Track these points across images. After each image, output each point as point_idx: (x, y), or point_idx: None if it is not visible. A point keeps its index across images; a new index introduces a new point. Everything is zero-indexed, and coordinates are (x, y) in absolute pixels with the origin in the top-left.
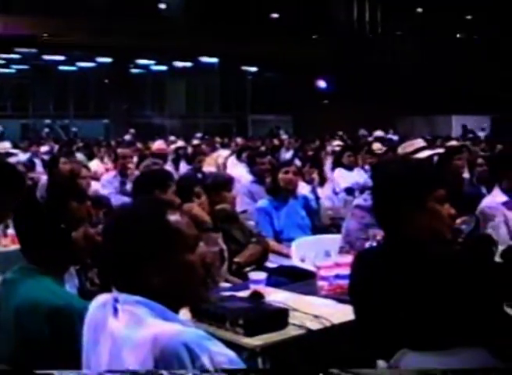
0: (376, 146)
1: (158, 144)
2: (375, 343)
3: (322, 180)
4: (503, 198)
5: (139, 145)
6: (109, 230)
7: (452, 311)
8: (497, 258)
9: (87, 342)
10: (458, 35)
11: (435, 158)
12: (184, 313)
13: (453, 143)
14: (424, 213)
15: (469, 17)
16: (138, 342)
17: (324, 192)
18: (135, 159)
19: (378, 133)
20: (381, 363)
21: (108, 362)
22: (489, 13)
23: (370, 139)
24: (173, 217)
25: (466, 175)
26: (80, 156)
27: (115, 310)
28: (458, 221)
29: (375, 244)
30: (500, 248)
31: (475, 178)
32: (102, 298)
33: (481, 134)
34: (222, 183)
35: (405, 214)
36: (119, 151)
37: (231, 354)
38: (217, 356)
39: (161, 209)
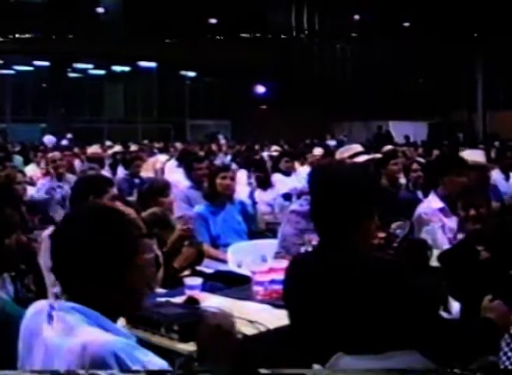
0: (317, 151)
1: (92, 149)
2: (310, 347)
3: (265, 185)
4: (440, 204)
5: (76, 150)
6: (55, 236)
7: (385, 315)
8: (434, 263)
9: (22, 349)
10: (396, 42)
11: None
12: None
13: (389, 148)
14: (370, 221)
15: (407, 24)
16: (68, 350)
17: (266, 197)
18: (77, 163)
19: None
20: (317, 367)
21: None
22: (427, 21)
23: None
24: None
25: (403, 180)
26: (17, 158)
27: (50, 317)
28: (393, 226)
29: (310, 249)
30: (436, 252)
31: (411, 183)
32: (38, 305)
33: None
34: (159, 188)
35: (356, 222)
36: (49, 155)
37: (162, 363)
38: (148, 366)
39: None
